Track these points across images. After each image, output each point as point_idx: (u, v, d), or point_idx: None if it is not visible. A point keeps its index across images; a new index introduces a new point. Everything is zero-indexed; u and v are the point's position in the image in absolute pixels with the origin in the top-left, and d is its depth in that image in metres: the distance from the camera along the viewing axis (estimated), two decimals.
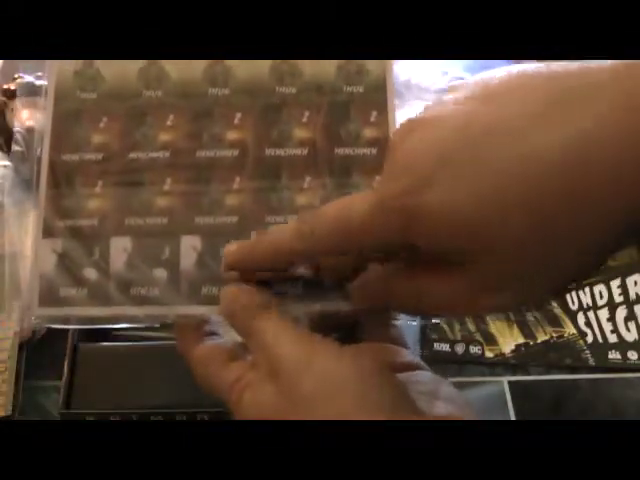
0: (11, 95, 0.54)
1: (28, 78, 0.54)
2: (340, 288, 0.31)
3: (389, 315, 0.32)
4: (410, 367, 0.30)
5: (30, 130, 0.33)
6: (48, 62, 0.34)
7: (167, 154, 0.33)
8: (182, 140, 0.33)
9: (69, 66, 0.34)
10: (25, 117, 0.53)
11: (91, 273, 0.31)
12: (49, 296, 0.31)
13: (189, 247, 0.32)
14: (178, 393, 0.43)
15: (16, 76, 0.54)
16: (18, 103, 0.53)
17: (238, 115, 0.33)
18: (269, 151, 0.33)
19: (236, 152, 0.33)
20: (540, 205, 0.21)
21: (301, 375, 0.26)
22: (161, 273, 0.31)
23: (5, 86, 0.54)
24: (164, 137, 0.33)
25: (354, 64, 0.34)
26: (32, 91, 0.53)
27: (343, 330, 0.31)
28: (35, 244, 0.32)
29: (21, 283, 0.50)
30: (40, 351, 0.47)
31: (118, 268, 0.31)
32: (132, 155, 0.33)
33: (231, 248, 0.30)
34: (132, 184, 0.32)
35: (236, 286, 0.30)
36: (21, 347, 0.47)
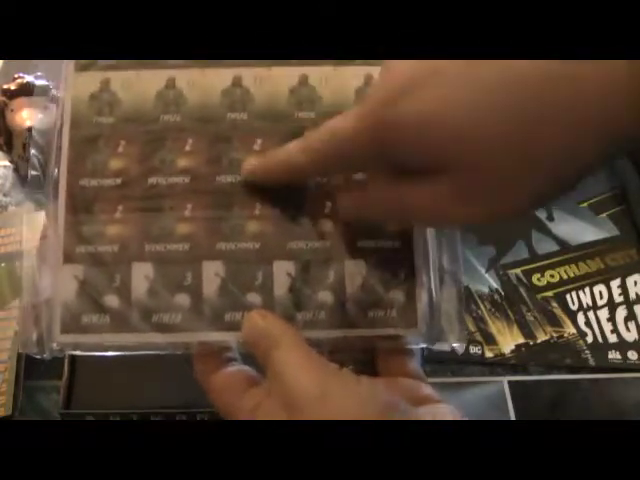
0: (11, 95, 0.54)
1: (28, 78, 0.54)
2: (363, 316, 0.31)
3: (407, 349, 0.32)
4: (428, 401, 0.29)
5: (46, 153, 0.33)
6: (63, 85, 0.34)
7: (187, 179, 0.32)
8: (202, 165, 0.33)
9: (85, 89, 0.34)
10: (25, 117, 0.53)
11: (113, 300, 0.31)
12: (71, 323, 0.31)
13: (211, 273, 0.31)
14: (178, 393, 0.43)
15: (16, 76, 0.54)
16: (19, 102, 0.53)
17: (258, 141, 0.33)
18: None
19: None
20: (519, 111, 0.22)
21: (315, 409, 0.26)
22: (183, 299, 0.31)
23: (5, 86, 0.54)
24: (183, 162, 0.33)
25: None
26: (32, 91, 0.53)
27: (360, 363, 0.31)
28: (56, 270, 0.31)
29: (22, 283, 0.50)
30: None
31: (140, 295, 0.31)
32: (151, 180, 0.32)
33: (249, 162, 0.32)
34: (152, 210, 0.32)
35: (258, 313, 0.30)
36: None
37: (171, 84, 0.34)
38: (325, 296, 0.31)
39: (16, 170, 0.58)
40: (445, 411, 0.28)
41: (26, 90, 0.53)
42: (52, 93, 0.55)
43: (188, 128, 0.33)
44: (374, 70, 0.34)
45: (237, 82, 0.34)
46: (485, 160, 0.23)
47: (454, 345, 0.32)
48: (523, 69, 0.22)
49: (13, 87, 0.54)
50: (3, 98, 0.54)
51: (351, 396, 0.26)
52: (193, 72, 0.34)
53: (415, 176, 0.26)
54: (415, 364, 0.32)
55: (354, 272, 0.32)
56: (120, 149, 0.33)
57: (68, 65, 0.34)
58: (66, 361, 0.44)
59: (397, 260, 0.32)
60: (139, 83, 0.34)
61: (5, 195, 0.58)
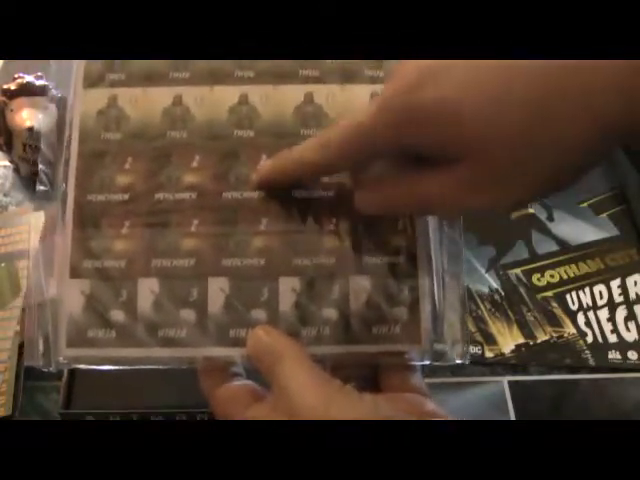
0: (11, 95, 0.54)
1: (28, 78, 0.54)
2: (367, 332, 0.31)
3: (410, 364, 0.32)
4: (433, 416, 0.29)
5: (54, 168, 0.33)
6: (71, 102, 0.34)
7: (193, 195, 0.33)
8: (208, 181, 0.33)
9: (93, 106, 0.34)
10: (25, 117, 0.53)
11: (119, 315, 0.31)
12: (77, 338, 0.31)
13: (216, 289, 0.32)
14: (178, 393, 0.43)
15: (16, 76, 0.54)
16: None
17: (263, 157, 0.33)
18: (295, 193, 0.33)
19: (262, 194, 0.33)
20: (542, 102, 0.23)
21: None
22: (188, 315, 0.31)
23: (5, 86, 0.54)
24: (190, 178, 0.33)
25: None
26: (32, 91, 0.53)
27: (363, 379, 0.31)
28: (62, 284, 0.32)
29: (23, 283, 0.50)
30: None
31: (145, 310, 0.31)
32: (158, 196, 0.33)
33: (264, 164, 0.32)
34: (159, 225, 0.32)
35: (263, 329, 0.30)
36: (21, 347, 0.47)
37: (178, 101, 0.34)
38: (330, 312, 0.32)
39: (16, 170, 0.58)
40: None
41: (26, 90, 0.54)
42: (52, 93, 0.55)
43: (195, 145, 0.33)
44: (379, 88, 0.34)
45: (243, 100, 0.34)
46: (501, 147, 0.24)
47: (458, 361, 0.32)
48: (534, 63, 0.23)
49: (13, 87, 0.54)
50: (3, 98, 0.54)
51: (354, 413, 0.26)
52: (200, 89, 0.34)
53: (431, 165, 0.26)
54: (418, 379, 0.32)
55: (358, 288, 0.32)
56: (127, 165, 0.33)
57: (76, 81, 0.34)
58: None
59: (401, 276, 0.32)
60: (146, 100, 0.34)
61: (5, 195, 0.58)
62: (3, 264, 0.51)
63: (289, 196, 0.33)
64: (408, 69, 0.25)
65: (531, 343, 0.51)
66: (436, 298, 0.33)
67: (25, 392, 0.46)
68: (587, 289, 0.54)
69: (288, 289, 0.32)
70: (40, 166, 0.33)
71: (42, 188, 0.33)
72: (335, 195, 0.33)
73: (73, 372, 0.44)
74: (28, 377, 0.46)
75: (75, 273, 0.32)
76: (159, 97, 0.34)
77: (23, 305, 0.48)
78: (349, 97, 0.34)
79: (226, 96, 0.34)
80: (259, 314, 0.31)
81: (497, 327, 0.52)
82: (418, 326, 0.32)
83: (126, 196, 0.33)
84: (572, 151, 0.23)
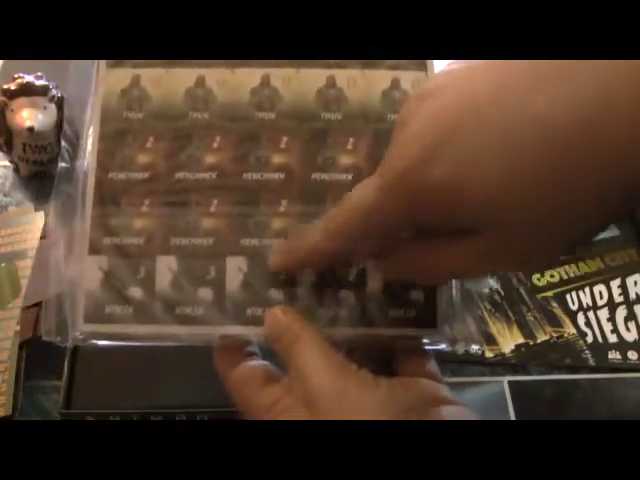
0: (11, 95, 0.54)
1: (28, 78, 0.54)
2: (383, 315, 0.32)
3: (424, 350, 0.32)
4: (446, 402, 0.29)
5: (75, 147, 0.33)
6: (95, 80, 0.34)
7: (214, 175, 0.33)
8: (228, 162, 0.33)
9: (116, 85, 0.34)
10: (25, 117, 0.53)
11: (136, 292, 0.32)
12: (94, 313, 0.31)
13: (235, 268, 0.32)
14: (178, 393, 0.43)
15: (16, 76, 0.54)
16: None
17: (284, 139, 0.33)
18: (315, 176, 0.33)
19: (282, 175, 0.33)
20: (550, 172, 0.21)
21: (335, 406, 0.26)
22: (206, 293, 0.32)
23: (5, 86, 0.54)
24: (210, 159, 0.33)
25: (398, 92, 0.34)
26: (32, 91, 0.53)
27: (378, 363, 0.31)
28: (81, 261, 0.32)
29: (23, 283, 0.50)
30: (40, 351, 0.47)
31: (163, 287, 0.32)
32: (178, 175, 0.33)
33: (276, 253, 0.31)
34: (178, 204, 0.33)
35: (280, 309, 0.30)
36: (21, 347, 0.47)
37: (201, 82, 0.34)
38: (347, 294, 0.32)
39: (16, 170, 0.58)
40: (463, 412, 0.28)
41: (26, 90, 0.53)
42: (52, 93, 0.55)
43: (216, 125, 0.34)
44: (401, 74, 0.34)
45: (265, 82, 0.34)
46: (516, 217, 0.22)
47: (474, 347, 0.33)
48: (542, 122, 0.21)
49: (13, 87, 0.54)
50: (3, 98, 0.54)
51: (369, 398, 0.26)
52: (222, 71, 0.34)
53: (443, 238, 0.25)
54: (433, 365, 0.32)
55: (375, 271, 0.32)
56: (148, 144, 0.33)
57: (100, 61, 0.35)
58: (66, 361, 0.44)
59: None
60: (169, 80, 0.34)
61: (5, 195, 0.58)
62: (3, 264, 0.51)
63: (309, 179, 0.33)
64: (409, 139, 0.24)
65: (531, 343, 0.51)
66: (453, 283, 0.33)
67: (25, 392, 0.46)
68: (587, 289, 0.54)
69: (306, 269, 0.32)
70: (62, 143, 0.34)
71: (64, 165, 0.33)
72: (353, 178, 0.33)
73: (73, 372, 0.44)
74: (28, 377, 0.46)
75: (94, 249, 0.32)
76: (182, 78, 0.34)
77: (23, 305, 0.48)
78: (369, 82, 0.34)
79: (248, 78, 0.34)
80: (276, 294, 0.32)
81: (497, 327, 0.52)
82: (434, 310, 0.32)
83: (146, 175, 0.33)
84: (597, 208, 0.22)
